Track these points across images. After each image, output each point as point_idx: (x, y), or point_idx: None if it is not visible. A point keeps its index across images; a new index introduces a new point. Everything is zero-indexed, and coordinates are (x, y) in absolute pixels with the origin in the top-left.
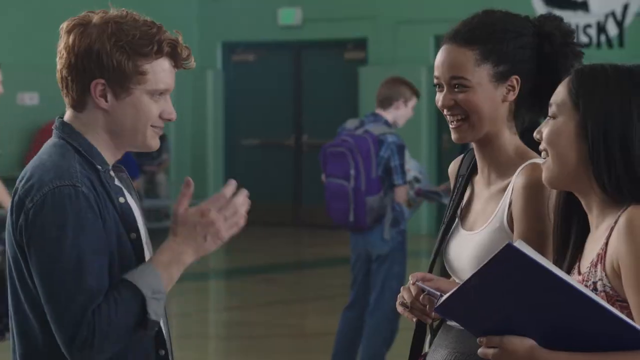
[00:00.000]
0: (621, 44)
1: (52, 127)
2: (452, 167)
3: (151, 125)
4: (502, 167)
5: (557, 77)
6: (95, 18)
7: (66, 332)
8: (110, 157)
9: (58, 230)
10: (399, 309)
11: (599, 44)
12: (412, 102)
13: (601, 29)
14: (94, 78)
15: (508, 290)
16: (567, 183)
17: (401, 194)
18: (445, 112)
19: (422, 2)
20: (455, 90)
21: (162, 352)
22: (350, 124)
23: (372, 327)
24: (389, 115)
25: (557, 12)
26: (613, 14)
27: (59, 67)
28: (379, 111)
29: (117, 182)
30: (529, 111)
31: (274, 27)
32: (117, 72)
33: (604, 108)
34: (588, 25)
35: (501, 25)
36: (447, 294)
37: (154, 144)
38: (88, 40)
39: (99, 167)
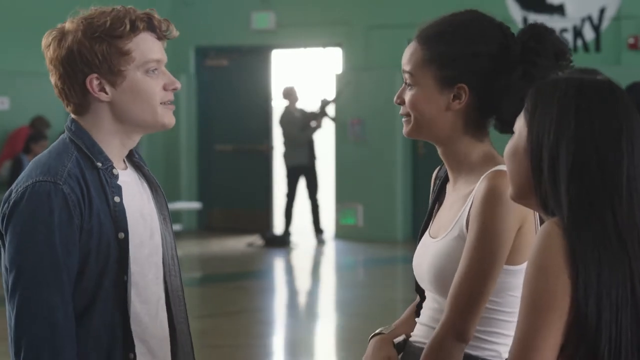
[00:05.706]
0: (598, 48)
1: (65, 125)
2: (436, 172)
3: (161, 103)
4: (467, 174)
5: (500, 92)
6: (67, 24)
7: (22, 321)
8: (119, 151)
9: (30, 224)
10: None
11: (575, 49)
12: None
13: (577, 33)
14: (86, 76)
15: None
16: (523, 198)
17: None
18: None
19: (396, 7)
20: (408, 89)
21: (131, 356)
22: None
23: None
24: None
25: (533, 16)
26: (589, 18)
27: (53, 81)
28: None
29: (119, 180)
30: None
31: (247, 31)
32: (104, 62)
33: (543, 124)
34: (564, 30)
35: (458, 29)
36: None
37: (168, 121)
38: (66, 44)
39: (99, 164)
